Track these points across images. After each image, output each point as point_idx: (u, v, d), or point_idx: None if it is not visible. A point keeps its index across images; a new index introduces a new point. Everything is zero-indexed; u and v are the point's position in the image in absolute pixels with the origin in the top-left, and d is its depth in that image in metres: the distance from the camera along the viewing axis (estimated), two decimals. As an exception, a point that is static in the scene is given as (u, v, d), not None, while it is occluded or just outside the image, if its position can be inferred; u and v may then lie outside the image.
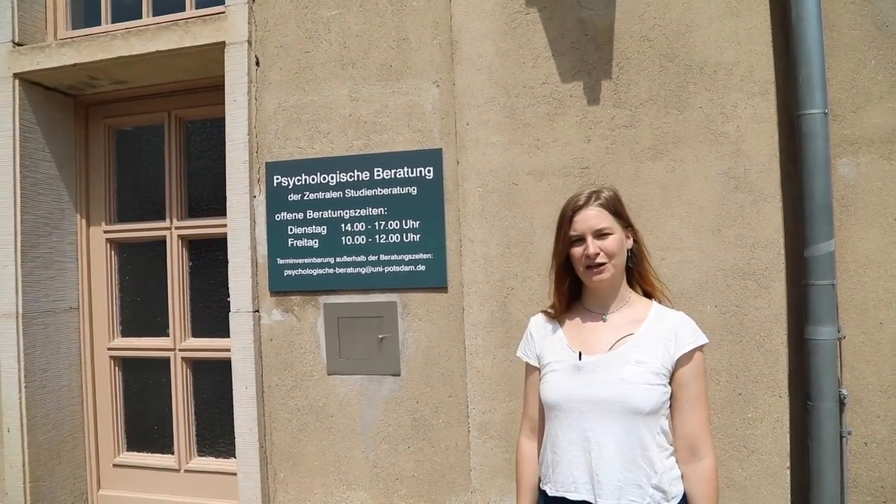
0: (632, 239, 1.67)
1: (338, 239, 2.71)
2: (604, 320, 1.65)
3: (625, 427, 1.50)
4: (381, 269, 2.66)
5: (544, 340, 1.72)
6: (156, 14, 3.30)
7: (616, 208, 1.63)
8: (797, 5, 2.23)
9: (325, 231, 2.73)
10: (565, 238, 1.63)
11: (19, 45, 3.24)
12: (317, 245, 2.74)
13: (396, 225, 2.64)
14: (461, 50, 2.55)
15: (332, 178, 2.71)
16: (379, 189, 2.66)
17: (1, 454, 3.24)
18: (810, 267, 2.24)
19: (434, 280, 2.60)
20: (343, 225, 2.71)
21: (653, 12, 2.37)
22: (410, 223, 2.63)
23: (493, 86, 2.52)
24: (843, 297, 2.29)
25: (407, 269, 2.62)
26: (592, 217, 1.59)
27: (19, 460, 3.15)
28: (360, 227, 2.69)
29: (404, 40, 2.69)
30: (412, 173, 2.63)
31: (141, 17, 3.32)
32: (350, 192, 2.70)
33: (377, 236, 2.67)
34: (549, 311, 1.75)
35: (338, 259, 2.71)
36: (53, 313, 3.34)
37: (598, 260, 1.57)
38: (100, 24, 3.40)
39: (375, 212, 2.67)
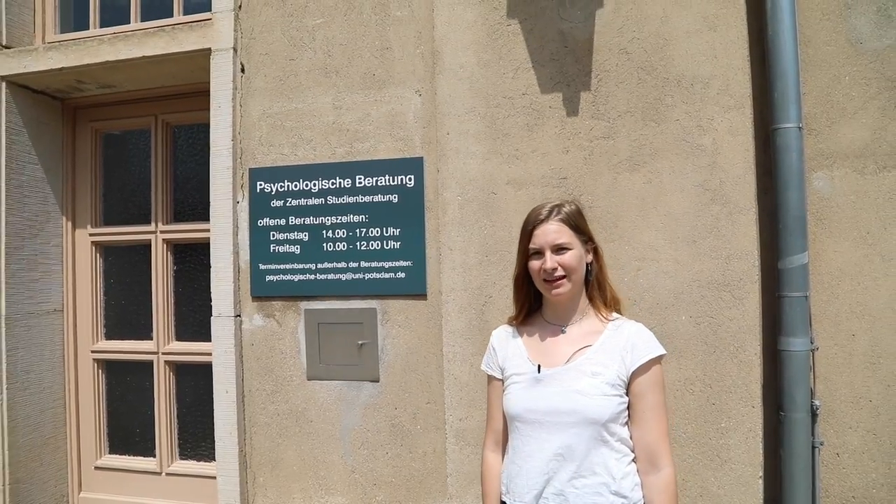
0: (591, 254, 1.70)
1: (319, 245, 2.73)
2: (563, 332, 1.69)
3: (583, 437, 1.54)
4: (361, 276, 2.68)
5: (506, 353, 1.75)
6: (144, 20, 3.33)
7: (577, 223, 1.66)
8: (773, 21, 2.27)
9: (307, 237, 2.75)
10: (525, 251, 1.68)
11: (7, 47, 3.26)
12: (298, 251, 2.76)
13: (377, 232, 2.66)
14: (443, 60, 2.58)
15: (315, 184, 2.73)
16: (360, 196, 2.68)
17: (-18, 456, 3.24)
18: (784, 279, 2.26)
19: (413, 287, 2.62)
20: (325, 231, 2.73)
21: (631, 25, 2.40)
22: (391, 231, 2.65)
23: (473, 96, 2.54)
24: (816, 309, 2.32)
25: (387, 276, 2.64)
26: (552, 232, 1.62)
27: (0, 462, 3.15)
28: (341, 233, 2.70)
29: (387, 49, 2.71)
30: (394, 181, 2.65)
31: (129, 23, 3.34)
32: (332, 199, 2.71)
33: (358, 243, 2.68)
34: (511, 321, 1.80)
35: (319, 265, 2.72)
36: (37, 315, 3.35)
37: (556, 274, 1.61)
38: (88, 29, 3.42)
39: (357, 219, 2.69)
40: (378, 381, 2.68)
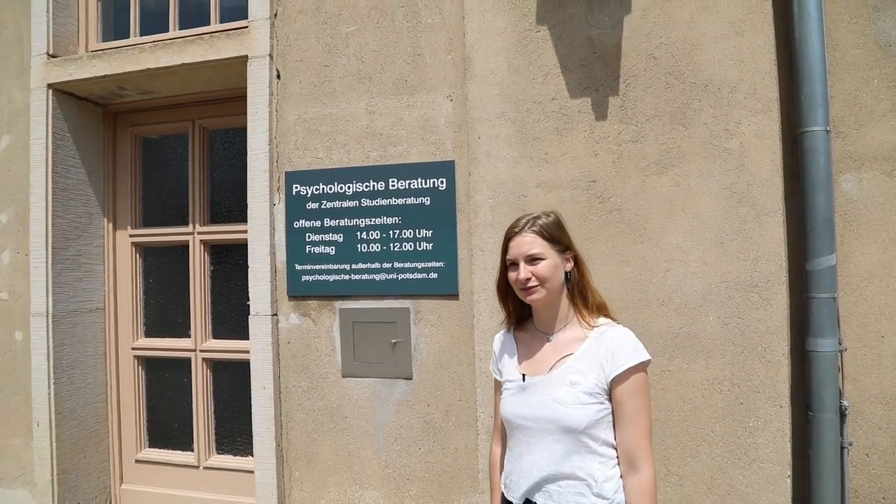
0: (571, 262, 1.75)
1: (353, 246, 2.81)
2: (549, 340, 1.76)
3: (563, 442, 1.62)
4: (394, 277, 2.75)
5: (502, 358, 1.86)
6: (182, 27, 3.43)
7: (552, 234, 1.71)
8: (800, 25, 2.30)
9: (342, 238, 2.83)
10: (503, 261, 1.76)
11: (53, 56, 3.39)
12: (333, 252, 2.84)
13: (410, 234, 2.74)
14: (473, 66, 2.64)
15: (349, 187, 2.81)
16: (394, 199, 2.76)
17: (30, 447, 3.38)
18: (812, 280, 2.29)
19: (446, 287, 2.68)
20: (359, 233, 2.81)
21: (659, 31, 2.44)
22: (423, 232, 2.72)
23: (504, 101, 2.60)
24: (845, 311, 2.35)
25: (420, 276, 2.71)
26: (525, 243, 1.69)
27: (47, 453, 3.28)
28: (374, 235, 2.78)
29: (419, 56, 2.78)
30: (426, 184, 2.72)
31: (168, 31, 3.45)
32: (366, 202, 2.79)
33: (391, 244, 2.76)
34: (507, 326, 1.89)
35: (353, 266, 2.80)
36: (81, 313, 3.48)
37: (529, 284, 1.67)
38: (128, 37, 3.54)
39: (390, 221, 2.77)
40: (411, 379, 2.75)
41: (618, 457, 1.64)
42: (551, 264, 1.68)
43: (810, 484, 2.31)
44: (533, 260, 1.67)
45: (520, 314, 1.85)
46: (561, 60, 2.56)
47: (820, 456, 2.29)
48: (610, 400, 1.64)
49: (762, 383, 2.34)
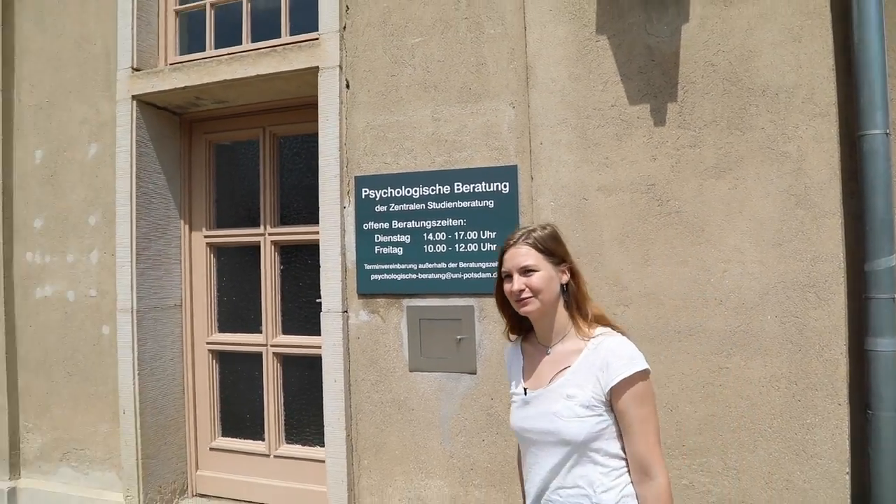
0: (567, 274, 1.75)
1: (420, 247, 2.96)
2: (548, 353, 1.77)
3: (563, 454, 1.65)
4: (459, 276, 2.89)
5: (510, 371, 1.90)
6: (253, 40, 3.63)
7: (546, 246, 1.72)
8: (860, 30, 2.35)
9: (409, 240, 2.98)
10: (499, 273, 1.78)
11: (137, 70, 3.63)
12: (401, 252, 2.99)
13: (474, 235, 2.87)
14: (535, 75, 2.76)
15: (416, 191, 2.96)
16: (458, 202, 2.89)
17: (117, 433, 3.63)
18: (871, 281, 2.34)
19: (508, 286, 2.80)
20: (425, 234, 2.95)
21: (717, 39, 2.52)
22: (487, 233, 2.85)
23: (565, 108, 2.71)
24: (904, 310, 2.39)
25: (484, 275, 2.84)
26: (520, 255, 1.70)
27: (133, 439, 3.53)
28: (440, 236, 2.92)
29: (482, 65, 2.91)
30: (489, 188, 2.84)
31: (240, 44, 3.65)
32: (432, 205, 2.94)
33: (457, 245, 2.90)
34: (509, 337, 1.92)
35: (420, 265, 2.95)
36: (161, 309, 3.73)
37: (523, 296, 1.69)
38: (203, 50, 3.75)
39: (455, 223, 2.90)
40: (475, 374, 2.88)
41: (626, 467, 1.64)
42: (545, 276, 1.69)
43: (870, 481, 2.35)
44: (527, 271, 1.68)
45: (520, 326, 1.87)
46: (620, 68, 2.66)
47: (879, 453, 2.33)
48: (612, 410, 1.64)
49: (820, 381, 2.40)
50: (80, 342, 3.81)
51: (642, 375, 1.62)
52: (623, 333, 1.73)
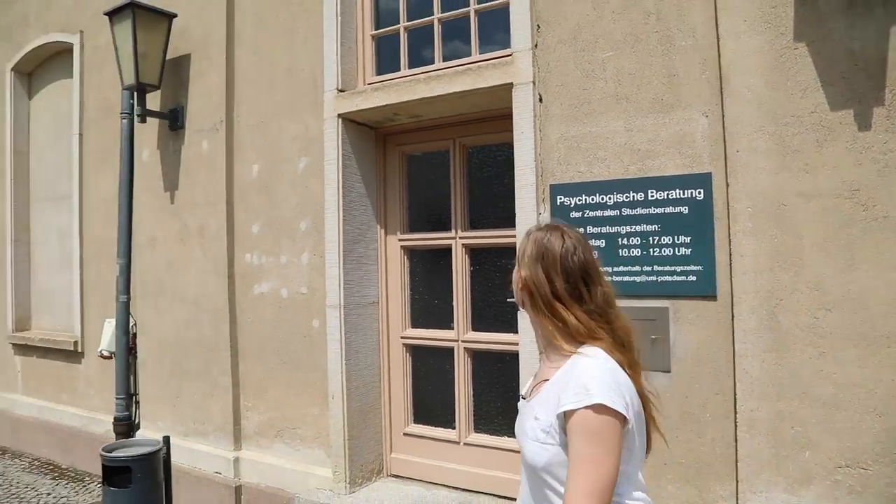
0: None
1: (615, 251, 3.11)
2: (542, 361, 1.67)
3: (530, 475, 1.53)
4: (654, 279, 3.01)
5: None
6: (444, 59, 3.94)
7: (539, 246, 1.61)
8: None
9: (604, 244, 3.14)
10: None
11: (341, 91, 4.06)
12: (596, 256, 3.15)
13: (669, 240, 2.98)
14: (730, 84, 2.82)
15: (610, 198, 3.12)
16: (652, 209, 3.01)
17: (325, 415, 4.08)
18: None
19: (704, 289, 2.89)
20: (619, 239, 3.10)
21: (935, 40, 2.48)
22: (682, 238, 2.95)
23: (761, 116, 2.76)
24: None
25: (678, 279, 2.94)
26: (520, 244, 1.67)
27: (340, 422, 3.96)
28: (635, 241, 3.06)
29: (674, 76, 3.01)
30: (683, 194, 2.94)
31: (433, 63, 3.98)
32: (626, 211, 3.08)
33: (651, 250, 3.02)
34: None
35: (615, 269, 3.10)
36: (362, 306, 4.14)
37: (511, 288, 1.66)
38: (398, 70, 4.12)
39: (649, 228, 3.02)
40: (669, 372, 2.99)
41: None
42: (521, 275, 1.58)
43: None
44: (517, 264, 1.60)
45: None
46: (820, 75, 2.66)
47: None
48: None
49: None
50: (293, 334, 4.31)
51: (597, 409, 1.35)
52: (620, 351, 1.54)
